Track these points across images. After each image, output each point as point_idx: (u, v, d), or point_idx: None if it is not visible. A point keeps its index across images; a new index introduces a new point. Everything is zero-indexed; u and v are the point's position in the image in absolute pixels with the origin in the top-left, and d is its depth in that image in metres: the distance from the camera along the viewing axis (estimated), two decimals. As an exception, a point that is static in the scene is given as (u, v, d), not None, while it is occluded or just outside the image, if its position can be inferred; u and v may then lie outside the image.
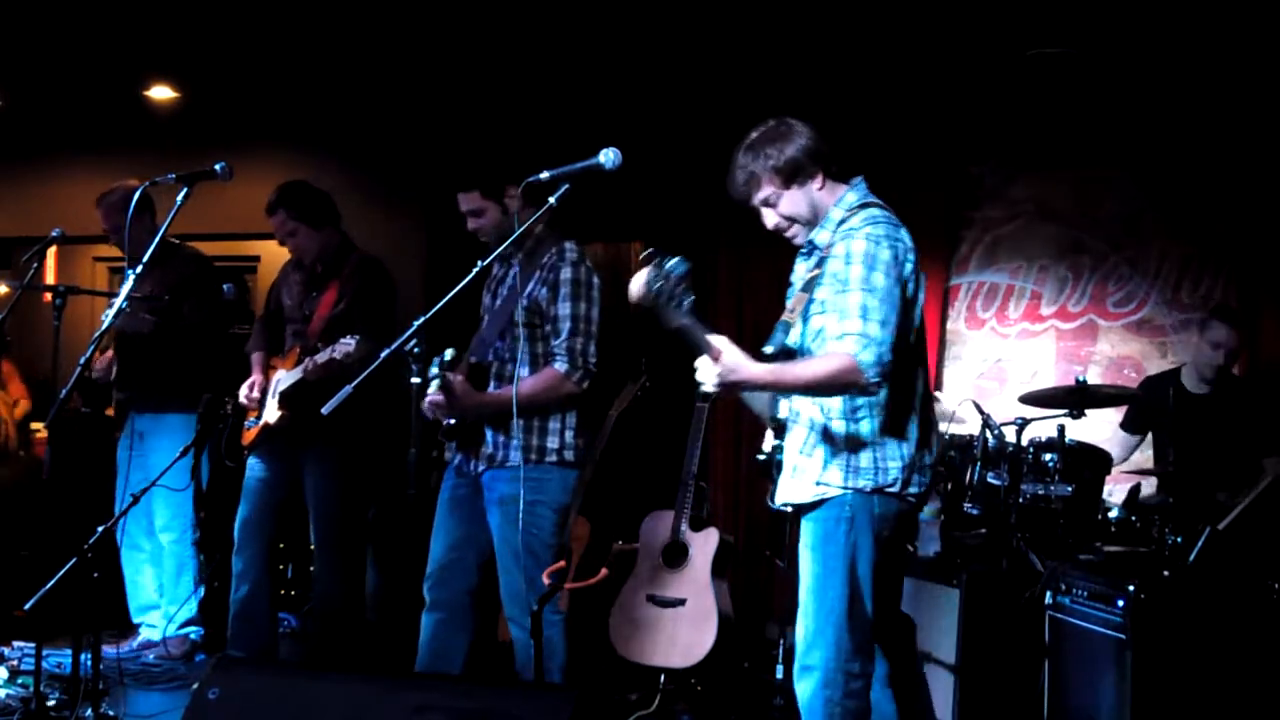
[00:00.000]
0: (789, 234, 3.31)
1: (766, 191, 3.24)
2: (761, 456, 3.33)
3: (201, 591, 5.39)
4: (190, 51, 6.42)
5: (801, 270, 3.36)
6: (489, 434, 3.98)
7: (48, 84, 6.91)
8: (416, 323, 3.46)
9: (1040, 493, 4.53)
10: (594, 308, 3.98)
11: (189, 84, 6.99)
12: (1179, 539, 4.32)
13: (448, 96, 6.58)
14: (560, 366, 3.92)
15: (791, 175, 3.22)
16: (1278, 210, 5.53)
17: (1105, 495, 4.75)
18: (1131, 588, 3.81)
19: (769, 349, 3.28)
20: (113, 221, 5.24)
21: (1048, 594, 4.17)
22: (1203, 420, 5.01)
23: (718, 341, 2.98)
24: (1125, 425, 5.35)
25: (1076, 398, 4.68)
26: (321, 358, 4.43)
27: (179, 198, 3.93)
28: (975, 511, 4.55)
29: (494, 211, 4.01)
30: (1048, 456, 4.59)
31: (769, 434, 3.51)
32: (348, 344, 4.29)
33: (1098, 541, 4.54)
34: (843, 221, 3.22)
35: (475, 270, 3.54)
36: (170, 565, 5.40)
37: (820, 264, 3.22)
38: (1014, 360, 6.10)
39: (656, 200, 6.53)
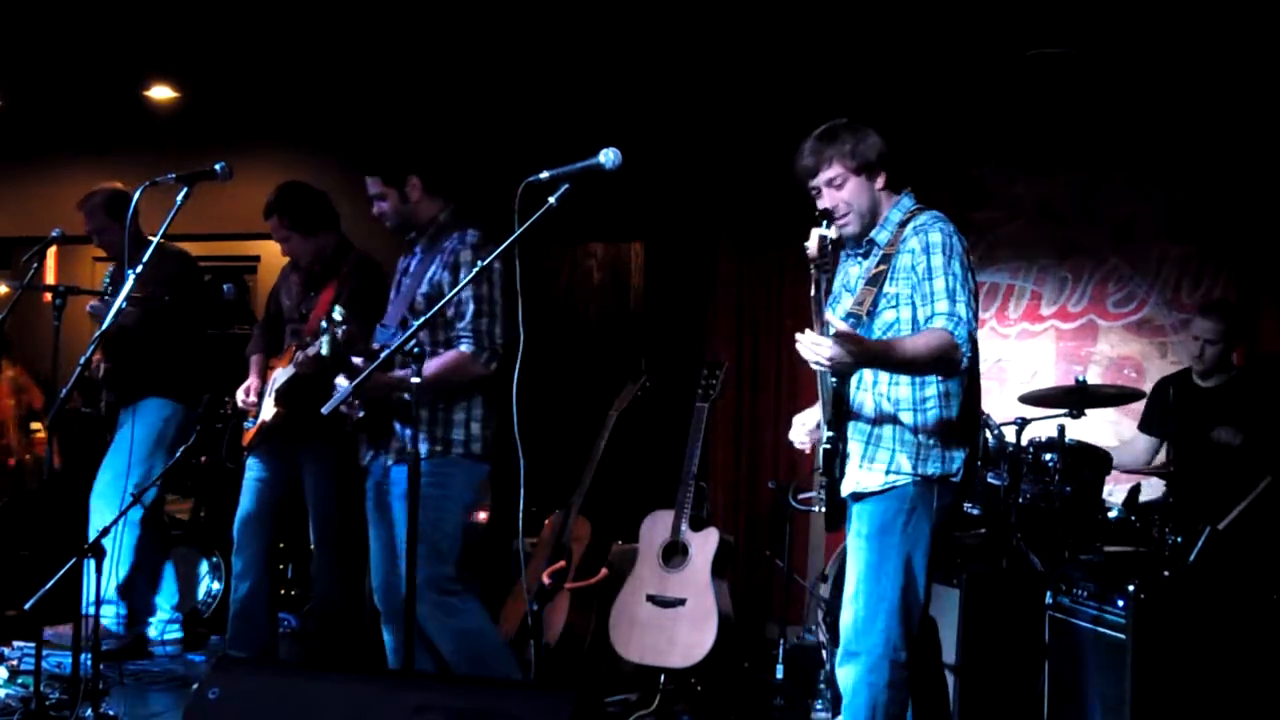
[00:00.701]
0: (842, 219, 3.37)
1: (835, 172, 3.35)
2: (827, 445, 3.34)
3: (130, 559, 5.30)
4: (190, 51, 6.43)
5: (857, 271, 3.45)
6: (397, 426, 3.95)
7: (48, 84, 6.91)
8: (416, 323, 3.47)
9: (1040, 493, 4.53)
10: (496, 289, 3.91)
11: (189, 84, 6.99)
12: (1179, 539, 4.32)
13: (448, 97, 6.58)
14: (466, 347, 3.88)
15: (863, 166, 3.35)
16: (1278, 210, 5.53)
17: (1105, 495, 4.75)
18: (1131, 588, 3.81)
19: None
20: (96, 223, 5.25)
21: (1048, 594, 4.17)
22: (1212, 412, 5.01)
23: (833, 319, 3.06)
24: (1143, 427, 5.33)
25: (1076, 398, 4.68)
26: (310, 351, 4.43)
27: (179, 198, 3.93)
28: (975, 511, 4.55)
29: (394, 199, 4.03)
30: (1048, 456, 4.59)
31: (797, 423, 3.55)
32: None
33: (1098, 541, 4.54)
34: (904, 222, 3.34)
35: (474, 270, 3.55)
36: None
37: (884, 261, 3.32)
38: (1014, 360, 6.10)
39: (656, 200, 6.54)
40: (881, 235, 3.39)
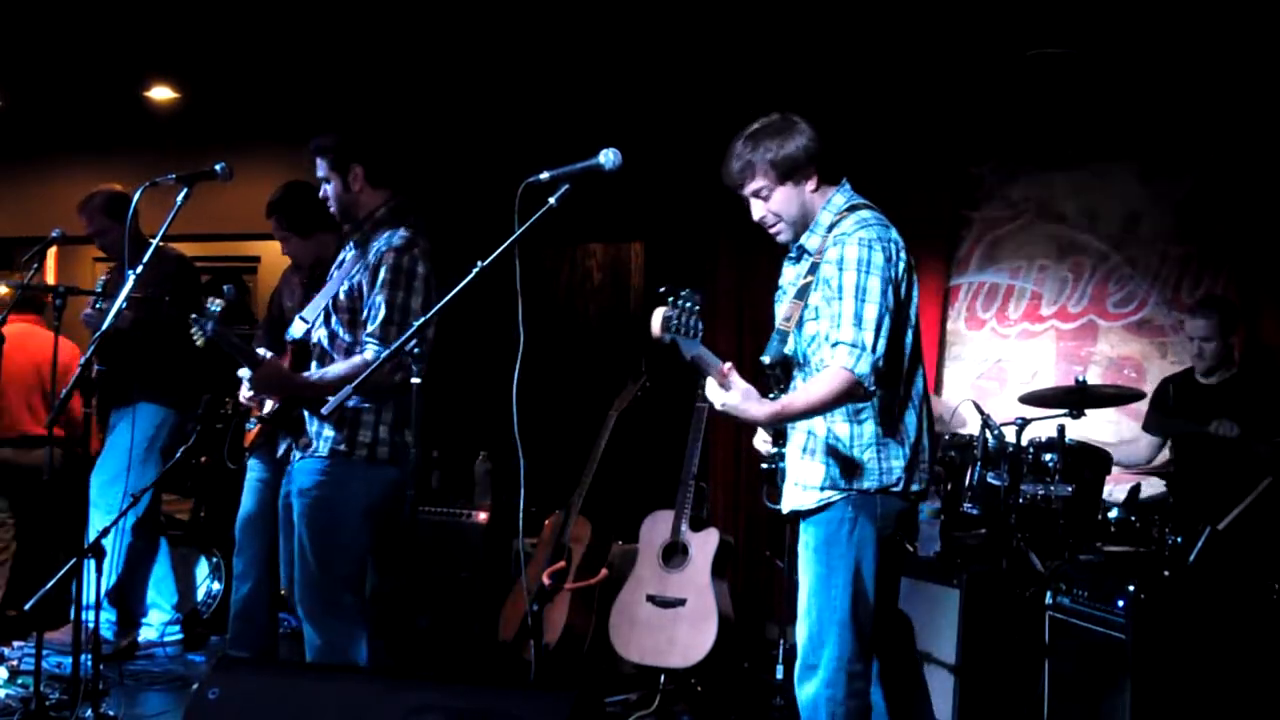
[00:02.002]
0: (773, 229, 3.31)
1: (760, 184, 3.24)
2: (765, 465, 3.32)
3: (121, 566, 5.29)
4: (190, 51, 6.43)
5: (791, 275, 3.37)
6: (306, 418, 3.88)
7: (48, 84, 6.91)
8: (416, 323, 3.46)
9: (1040, 493, 4.53)
10: (414, 297, 3.79)
11: (189, 84, 7.00)
12: (1179, 539, 4.32)
13: (447, 97, 6.58)
14: (370, 354, 3.75)
15: (788, 173, 3.22)
16: (1278, 210, 5.53)
17: (1105, 495, 4.75)
18: (1131, 588, 3.81)
19: (766, 359, 3.30)
20: (96, 225, 5.26)
21: (1048, 594, 4.17)
22: (1215, 410, 5.00)
23: (734, 378, 3.07)
24: (1147, 427, 5.33)
25: (1076, 398, 4.67)
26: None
27: (179, 198, 3.93)
28: (975, 511, 4.55)
29: (337, 184, 3.95)
30: (1048, 456, 4.58)
31: (760, 434, 3.50)
32: None
33: (1098, 541, 4.54)
34: (833, 226, 3.22)
35: (474, 271, 3.54)
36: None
37: (812, 270, 3.23)
38: (1014, 360, 6.10)
39: (656, 200, 6.53)
40: (811, 241, 3.27)
